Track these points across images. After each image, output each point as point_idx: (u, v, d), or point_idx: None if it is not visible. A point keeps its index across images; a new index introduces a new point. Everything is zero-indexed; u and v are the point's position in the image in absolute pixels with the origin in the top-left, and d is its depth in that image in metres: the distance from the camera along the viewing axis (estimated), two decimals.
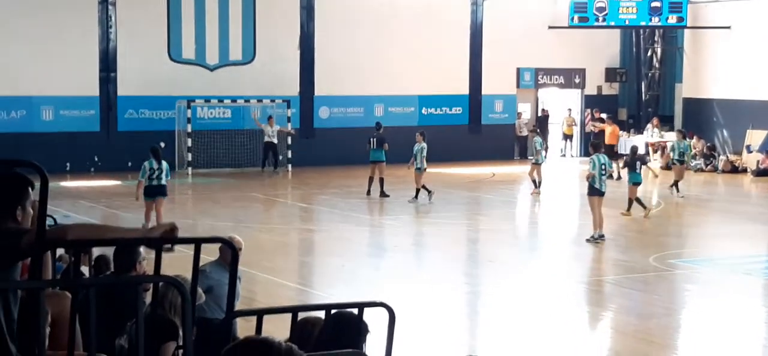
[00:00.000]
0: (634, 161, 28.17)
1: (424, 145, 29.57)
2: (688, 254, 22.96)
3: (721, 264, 21.66)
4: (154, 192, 23.84)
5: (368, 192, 31.29)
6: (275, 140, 38.74)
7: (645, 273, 20.54)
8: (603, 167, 24.28)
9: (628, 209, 28.37)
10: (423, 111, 43.90)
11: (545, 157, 34.09)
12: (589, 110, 47.14)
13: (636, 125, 46.55)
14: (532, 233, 27.24)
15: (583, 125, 47.38)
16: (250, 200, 31.45)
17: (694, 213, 29.69)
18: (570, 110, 46.98)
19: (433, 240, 25.16)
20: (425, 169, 29.59)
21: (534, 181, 32.65)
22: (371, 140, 31.97)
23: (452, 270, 21.25)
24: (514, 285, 19.79)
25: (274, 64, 41.15)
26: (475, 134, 45.25)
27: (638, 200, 27.96)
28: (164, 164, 24.21)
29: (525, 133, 44.63)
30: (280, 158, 40.06)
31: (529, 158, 35.41)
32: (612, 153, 37.46)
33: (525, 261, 22.63)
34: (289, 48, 41.45)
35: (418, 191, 29.69)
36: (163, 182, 24.10)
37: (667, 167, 37.51)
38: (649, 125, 44.06)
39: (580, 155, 45.37)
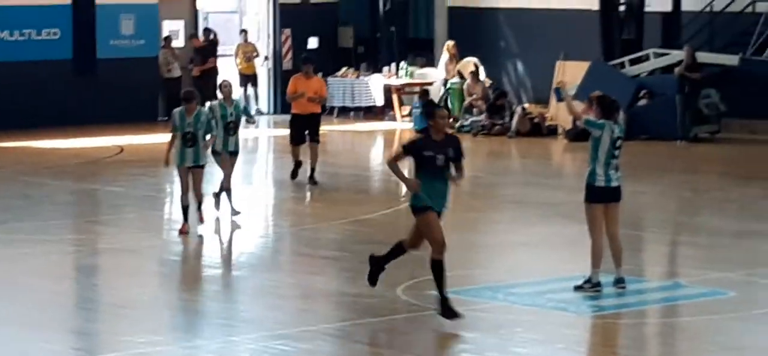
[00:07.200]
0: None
1: None
2: (462, 280, 19.46)
3: (518, 294, 18.86)
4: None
5: None
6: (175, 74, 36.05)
7: (392, 317, 17.43)
8: None
9: None
10: None
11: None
12: (288, 31, 40.10)
13: (372, 57, 40.53)
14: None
15: (279, 56, 39.87)
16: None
17: (474, 208, 26.62)
18: (245, 31, 39.79)
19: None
20: None
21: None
22: None
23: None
24: None
25: None
26: (85, 75, 37.71)
27: None
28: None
29: (176, 73, 37.88)
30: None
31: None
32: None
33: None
34: None
35: None
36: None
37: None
38: (445, 54, 37.65)
39: (275, 112, 39.37)
